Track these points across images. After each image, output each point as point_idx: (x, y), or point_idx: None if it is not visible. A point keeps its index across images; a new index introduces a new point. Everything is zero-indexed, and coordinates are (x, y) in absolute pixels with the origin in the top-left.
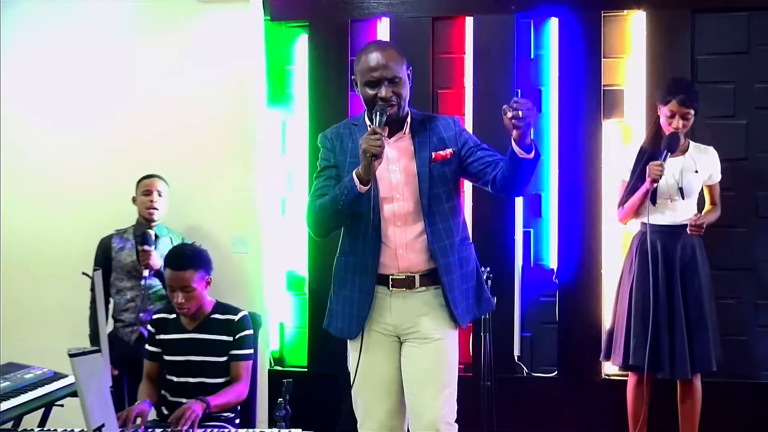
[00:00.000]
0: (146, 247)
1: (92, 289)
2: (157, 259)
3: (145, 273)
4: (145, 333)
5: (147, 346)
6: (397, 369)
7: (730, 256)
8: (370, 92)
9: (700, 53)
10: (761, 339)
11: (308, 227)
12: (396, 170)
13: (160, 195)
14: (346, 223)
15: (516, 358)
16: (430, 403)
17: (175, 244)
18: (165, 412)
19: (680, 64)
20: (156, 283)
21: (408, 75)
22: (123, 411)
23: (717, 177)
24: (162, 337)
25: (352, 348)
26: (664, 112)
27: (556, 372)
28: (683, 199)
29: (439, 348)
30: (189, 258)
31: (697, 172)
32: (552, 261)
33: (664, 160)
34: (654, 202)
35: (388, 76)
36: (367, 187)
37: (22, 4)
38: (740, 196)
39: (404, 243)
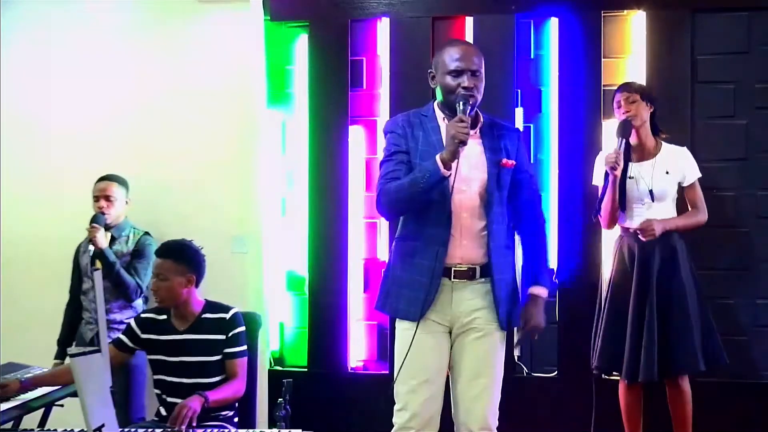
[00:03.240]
0: (94, 224)
1: (70, 292)
2: (102, 238)
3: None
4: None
5: (121, 336)
6: (443, 361)
7: (730, 256)
8: (452, 83)
9: (700, 53)
10: (761, 339)
11: (379, 208)
12: (466, 164)
13: (109, 200)
14: (419, 206)
15: (516, 358)
16: (479, 397)
17: (134, 240)
18: (164, 413)
19: (680, 64)
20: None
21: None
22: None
23: (692, 177)
24: (148, 337)
25: (402, 333)
26: (616, 110)
27: (556, 372)
28: (653, 201)
29: (491, 342)
30: (172, 248)
31: (668, 173)
32: (552, 261)
33: (620, 147)
34: (623, 207)
35: (471, 67)
36: (450, 172)
37: (22, 4)
38: (740, 196)
39: (469, 234)
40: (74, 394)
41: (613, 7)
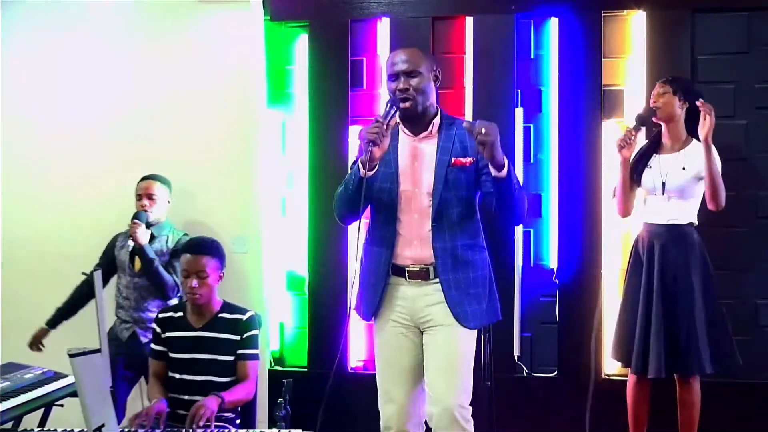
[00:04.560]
0: (136, 220)
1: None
2: (143, 234)
3: (136, 266)
4: (139, 331)
5: (153, 345)
6: (416, 356)
7: (730, 256)
8: (391, 86)
9: (700, 53)
10: (761, 339)
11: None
12: (417, 166)
13: (151, 198)
14: (357, 208)
15: (516, 358)
16: (446, 389)
17: (173, 240)
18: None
19: (680, 64)
20: (146, 282)
21: (436, 75)
22: (142, 409)
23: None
24: (168, 335)
25: (376, 333)
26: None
27: (556, 372)
28: (663, 194)
29: (453, 335)
30: (207, 245)
31: (684, 169)
32: (552, 261)
33: (634, 128)
34: (639, 182)
35: (406, 69)
36: (371, 173)
37: (22, 4)
38: (740, 196)
39: (419, 235)
40: (74, 394)
41: (613, 7)
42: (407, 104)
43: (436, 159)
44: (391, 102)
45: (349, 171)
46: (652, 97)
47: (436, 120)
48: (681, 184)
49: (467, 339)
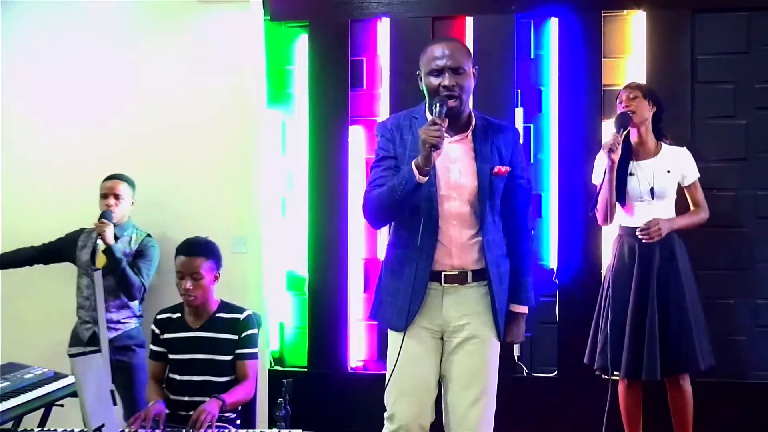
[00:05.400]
0: (103, 220)
1: (42, 245)
2: (111, 234)
3: (99, 264)
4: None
5: (151, 347)
6: (434, 369)
7: (729, 256)
8: (434, 82)
9: (700, 53)
10: (760, 339)
11: (365, 217)
12: (456, 170)
13: (117, 198)
14: (403, 213)
15: (516, 358)
16: (472, 406)
17: (137, 241)
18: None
19: (680, 64)
20: (109, 282)
21: (473, 73)
22: (141, 411)
23: (692, 177)
24: (166, 336)
25: (393, 340)
26: (618, 106)
27: (556, 372)
28: (653, 198)
29: (485, 348)
30: (201, 246)
31: (669, 172)
32: (552, 261)
33: (618, 133)
34: (622, 202)
35: (451, 65)
36: (426, 178)
37: (22, 4)
38: (740, 196)
39: (459, 243)
40: (74, 394)
41: (613, 7)
42: (455, 103)
43: (477, 166)
44: (439, 101)
45: (374, 169)
46: (623, 101)
47: (473, 122)
48: (667, 187)
49: (496, 351)
